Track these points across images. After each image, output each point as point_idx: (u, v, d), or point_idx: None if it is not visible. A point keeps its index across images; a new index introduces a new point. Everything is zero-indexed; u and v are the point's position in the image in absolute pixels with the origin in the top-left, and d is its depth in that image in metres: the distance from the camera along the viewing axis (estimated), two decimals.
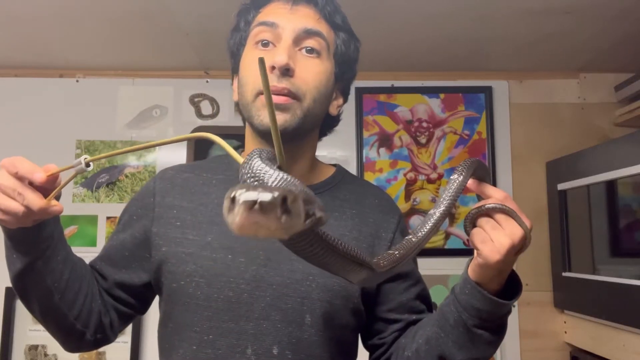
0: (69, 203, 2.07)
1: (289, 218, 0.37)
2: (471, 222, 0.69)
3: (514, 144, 2.15)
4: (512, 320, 2.06)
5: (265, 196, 0.35)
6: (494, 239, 0.66)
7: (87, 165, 0.68)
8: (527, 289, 2.08)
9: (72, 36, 1.86)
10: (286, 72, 0.78)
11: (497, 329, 0.72)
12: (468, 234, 0.70)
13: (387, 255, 0.62)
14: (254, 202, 0.35)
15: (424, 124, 2.16)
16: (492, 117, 2.16)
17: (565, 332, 2.03)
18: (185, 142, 2.12)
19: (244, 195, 0.35)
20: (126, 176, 2.11)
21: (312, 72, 0.81)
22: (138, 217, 0.88)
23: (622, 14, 1.65)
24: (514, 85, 2.19)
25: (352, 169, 2.10)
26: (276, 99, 0.78)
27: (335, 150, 2.14)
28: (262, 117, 0.79)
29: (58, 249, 0.76)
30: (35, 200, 0.66)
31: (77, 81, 2.17)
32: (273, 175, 0.47)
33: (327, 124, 0.92)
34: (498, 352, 2.02)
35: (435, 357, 0.75)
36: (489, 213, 0.68)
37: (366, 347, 0.90)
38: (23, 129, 2.12)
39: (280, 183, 0.47)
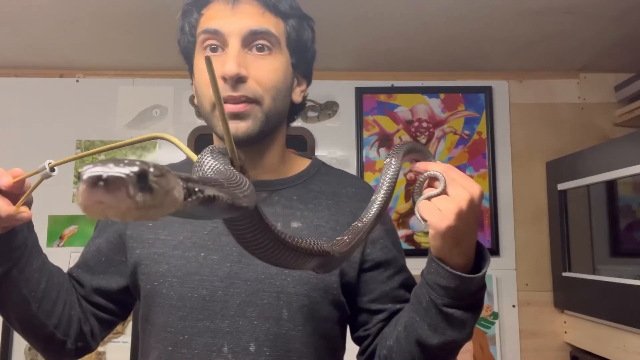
0: (69, 203, 2.07)
1: (150, 196, 0.31)
2: (418, 196, 0.69)
3: (514, 144, 2.15)
4: (512, 320, 2.06)
5: (113, 171, 0.30)
6: (440, 206, 0.65)
7: (52, 169, 0.65)
8: (527, 289, 2.11)
9: (72, 36, 1.86)
10: (239, 79, 0.76)
11: (471, 307, 0.70)
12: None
13: (337, 241, 0.62)
14: (99, 178, 0.29)
15: (424, 124, 2.16)
16: (492, 117, 2.16)
17: (565, 332, 2.03)
18: (185, 142, 2.12)
19: (89, 171, 0.30)
20: None
21: (267, 72, 0.79)
22: (112, 221, 0.87)
23: (622, 14, 1.65)
24: (514, 85, 2.19)
25: (352, 168, 2.10)
26: (234, 107, 0.77)
27: (335, 150, 2.14)
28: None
29: (33, 257, 0.75)
30: (2, 207, 0.65)
31: (77, 81, 2.17)
32: (218, 170, 0.46)
33: (292, 111, 0.90)
34: (498, 352, 2.02)
35: (413, 342, 0.73)
36: (431, 184, 0.68)
37: (353, 339, 0.89)
38: (23, 129, 2.12)
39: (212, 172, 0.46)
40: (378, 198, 0.69)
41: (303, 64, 0.88)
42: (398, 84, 2.18)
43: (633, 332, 1.58)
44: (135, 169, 0.30)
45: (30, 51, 2.00)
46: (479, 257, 0.70)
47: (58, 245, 2.05)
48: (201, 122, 2.15)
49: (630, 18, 1.67)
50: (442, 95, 2.17)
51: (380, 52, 1.99)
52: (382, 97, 2.17)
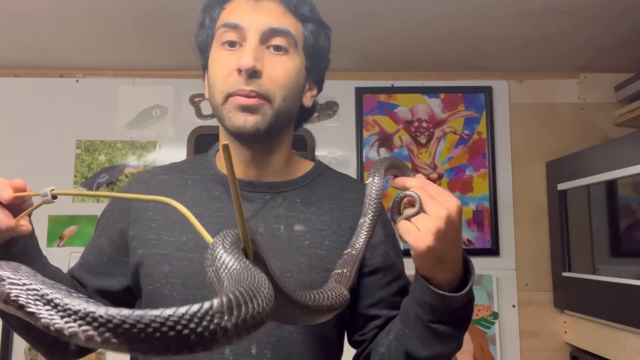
0: (69, 203, 2.07)
1: None
2: (397, 215, 0.68)
3: (514, 144, 2.15)
4: (512, 320, 2.06)
5: None
6: (419, 226, 0.64)
7: (54, 197, 0.65)
8: (527, 289, 2.11)
9: (72, 36, 1.86)
10: (253, 74, 0.77)
11: (457, 322, 0.70)
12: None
13: (340, 276, 0.62)
14: None
15: (424, 124, 2.16)
16: (492, 117, 2.16)
17: (565, 332, 2.03)
18: (185, 141, 2.13)
19: None
20: (126, 176, 2.11)
21: (281, 70, 0.80)
22: (114, 220, 0.87)
23: (622, 14, 1.65)
24: (514, 85, 2.19)
25: (352, 169, 2.10)
26: (245, 100, 0.77)
27: (335, 150, 2.14)
28: (233, 119, 0.78)
29: (33, 263, 0.75)
30: (3, 220, 0.65)
31: (77, 81, 2.17)
32: (231, 267, 0.44)
33: (302, 115, 0.90)
34: (498, 352, 2.02)
35: (402, 353, 0.74)
36: (410, 202, 0.66)
37: (350, 343, 0.90)
38: (23, 129, 2.12)
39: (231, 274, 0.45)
40: (367, 221, 0.69)
41: (316, 70, 0.88)
42: (398, 84, 2.18)
43: (633, 332, 1.58)
44: None
45: (30, 51, 2.00)
46: (467, 271, 0.70)
47: (58, 246, 2.05)
48: (201, 122, 2.15)
49: (630, 18, 1.67)
50: (442, 95, 2.17)
51: (380, 51, 1.99)
52: (382, 97, 2.17)
